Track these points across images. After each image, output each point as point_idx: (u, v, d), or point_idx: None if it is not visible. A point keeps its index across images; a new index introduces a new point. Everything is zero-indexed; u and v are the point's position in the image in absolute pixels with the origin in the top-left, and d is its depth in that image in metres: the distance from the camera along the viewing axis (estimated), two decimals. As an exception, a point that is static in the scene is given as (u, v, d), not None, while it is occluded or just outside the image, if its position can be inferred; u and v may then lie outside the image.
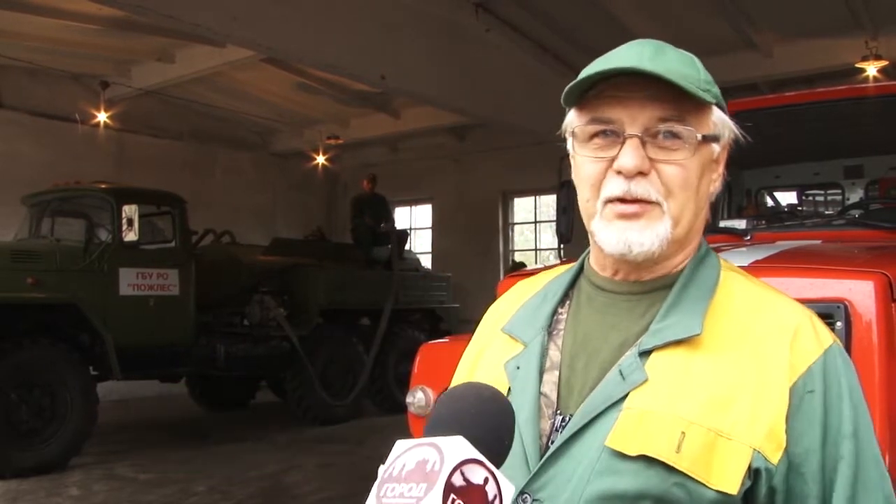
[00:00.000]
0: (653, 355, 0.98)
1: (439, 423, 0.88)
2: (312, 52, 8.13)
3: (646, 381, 0.96)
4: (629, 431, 0.94)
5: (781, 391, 0.93)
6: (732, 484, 0.91)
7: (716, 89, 1.04)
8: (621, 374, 0.98)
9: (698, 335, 0.97)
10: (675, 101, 0.98)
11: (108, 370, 7.61)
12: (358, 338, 9.91)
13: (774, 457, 0.92)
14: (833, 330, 1.66)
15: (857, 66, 8.86)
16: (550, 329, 1.11)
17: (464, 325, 11.18)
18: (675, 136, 0.99)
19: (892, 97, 3.26)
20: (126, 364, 7.59)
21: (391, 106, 12.91)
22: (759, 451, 0.91)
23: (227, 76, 11.24)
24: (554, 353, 1.08)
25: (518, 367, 1.08)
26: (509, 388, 1.07)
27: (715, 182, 1.08)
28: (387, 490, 0.81)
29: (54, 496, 6.14)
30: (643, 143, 0.99)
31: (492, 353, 1.15)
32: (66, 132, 11.14)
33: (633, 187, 0.99)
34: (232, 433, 8.75)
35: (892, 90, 3.52)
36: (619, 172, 0.99)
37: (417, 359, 3.24)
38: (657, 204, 1.00)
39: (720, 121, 1.04)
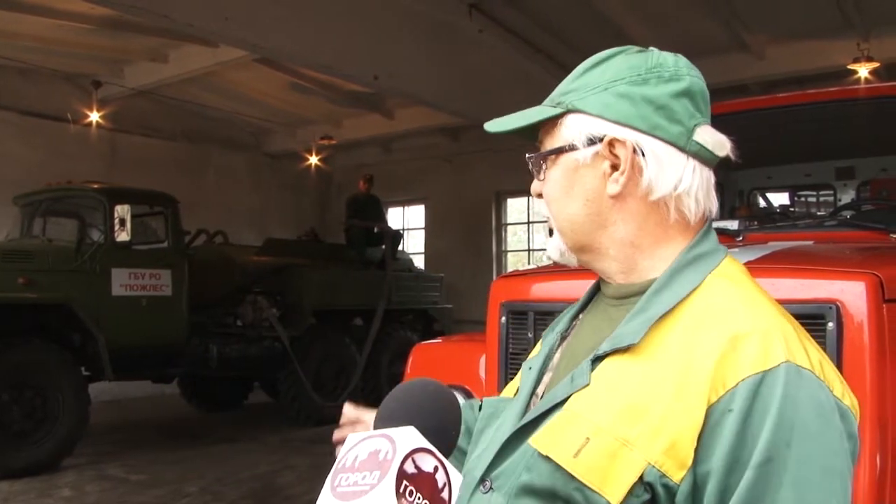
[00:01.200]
0: (604, 361, 0.99)
1: (389, 416, 0.92)
2: (305, 53, 8.13)
3: (587, 385, 0.98)
4: (550, 432, 0.97)
5: (697, 406, 0.89)
6: (616, 494, 0.89)
7: (571, 97, 1.06)
8: (572, 377, 1.01)
9: (636, 344, 0.96)
10: (542, 126, 1.11)
11: (100, 371, 7.58)
12: (351, 338, 9.90)
13: (676, 474, 0.88)
14: (824, 331, 1.68)
15: (849, 67, 8.89)
16: (566, 333, 1.18)
17: (457, 325, 11.20)
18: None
19: (883, 99, 3.27)
20: (118, 364, 7.56)
21: (384, 106, 12.91)
22: (653, 466, 0.88)
23: (221, 76, 11.22)
24: (557, 356, 1.15)
25: (530, 368, 1.16)
26: (518, 387, 1.17)
27: (618, 181, 1.02)
28: (340, 480, 0.84)
29: (46, 497, 6.12)
30: None
31: (529, 356, 1.24)
32: (59, 132, 11.11)
33: (540, 207, 1.14)
34: (224, 434, 8.74)
35: (884, 92, 3.53)
36: None
37: (410, 359, 3.24)
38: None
39: (575, 124, 1.05)
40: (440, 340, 3.89)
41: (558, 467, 0.93)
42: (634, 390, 0.93)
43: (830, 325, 1.71)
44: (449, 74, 9.22)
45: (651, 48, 1.09)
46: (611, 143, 1.02)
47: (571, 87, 1.07)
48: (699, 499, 0.88)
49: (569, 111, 1.05)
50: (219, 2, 7.12)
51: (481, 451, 1.09)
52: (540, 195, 1.12)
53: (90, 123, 11.29)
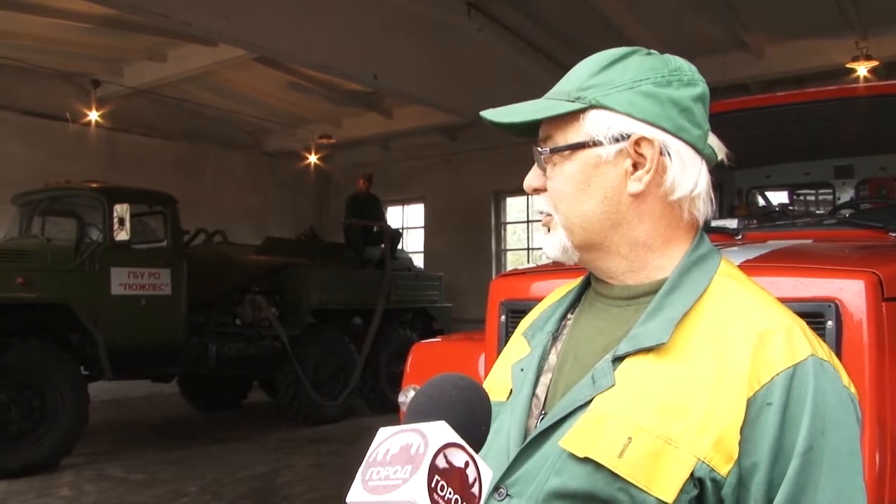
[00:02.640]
0: (625, 361, 0.99)
1: (420, 411, 0.92)
2: (304, 52, 8.13)
3: (612, 386, 0.98)
4: (583, 434, 0.96)
5: (738, 401, 0.92)
6: (669, 492, 0.91)
7: (593, 92, 1.03)
8: (592, 378, 1.00)
9: (664, 343, 0.97)
10: (550, 120, 1.07)
11: (99, 370, 7.58)
12: (350, 337, 9.90)
13: (724, 468, 0.91)
14: (824, 329, 1.68)
15: (848, 66, 8.89)
16: (557, 333, 1.16)
17: (456, 324, 11.19)
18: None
19: (881, 97, 3.27)
20: (117, 364, 7.56)
21: (383, 105, 12.91)
22: (703, 461, 0.91)
23: (219, 75, 11.22)
24: (553, 357, 1.13)
25: (522, 370, 1.14)
26: (511, 390, 1.14)
27: (641, 180, 1.02)
28: (372, 474, 0.84)
29: (45, 497, 6.12)
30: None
31: (509, 356, 1.21)
32: (57, 131, 11.10)
33: (535, 203, 1.12)
34: (223, 433, 8.74)
35: (882, 90, 3.54)
36: None
37: (409, 358, 3.24)
38: (552, 216, 1.09)
39: (601, 120, 1.03)
40: (439, 339, 3.90)
41: (599, 468, 0.93)
42: (669, 389, 0.95)
43: (830, 323, 1.71)
44: (448, 73, 9.23)
45: (653, 51, 1.09)
46: (637, 142, 1.02)
47: (591, 83, 1.05)
48: (745, 490, 0.92)
49: (592, 107, 1.04)
50: (218, 1, 7.12)
51: (482, 456, 1.07)
52: (536, 190, 1.10)
53: (89, 123, 11.28)
